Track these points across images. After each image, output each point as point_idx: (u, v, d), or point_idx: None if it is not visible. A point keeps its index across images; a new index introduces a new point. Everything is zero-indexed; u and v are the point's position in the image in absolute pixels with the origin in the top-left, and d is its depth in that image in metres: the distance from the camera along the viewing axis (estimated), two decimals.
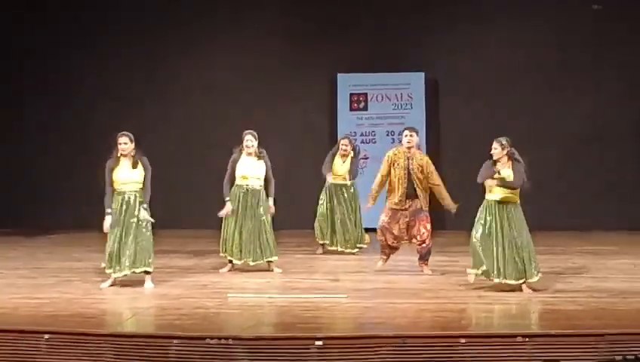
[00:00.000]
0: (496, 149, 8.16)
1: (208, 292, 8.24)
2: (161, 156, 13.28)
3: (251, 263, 9.36)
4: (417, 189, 9.05)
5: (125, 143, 8.49)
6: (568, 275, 9.07)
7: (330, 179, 10.82)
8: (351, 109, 13.62)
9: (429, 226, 9.12)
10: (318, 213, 10.93)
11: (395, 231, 9.18)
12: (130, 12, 13.77)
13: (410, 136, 9.07)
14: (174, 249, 10.99)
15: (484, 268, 8.09)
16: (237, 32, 13.85)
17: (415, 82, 13.52)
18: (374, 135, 13.60)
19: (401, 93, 13.55)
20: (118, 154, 8.47)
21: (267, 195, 9.45)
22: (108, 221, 8.39)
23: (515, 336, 6.24)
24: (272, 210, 9.45)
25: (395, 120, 13.51)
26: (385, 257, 9.40)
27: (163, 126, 13.72)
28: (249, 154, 9.38)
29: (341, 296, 7.94)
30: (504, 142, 8.18)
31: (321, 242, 10.96)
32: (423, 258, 9.31)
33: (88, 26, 13.83)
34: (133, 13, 13.78)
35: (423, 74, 13.51)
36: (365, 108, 13.62)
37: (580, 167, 13.26)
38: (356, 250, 10.80)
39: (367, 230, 10.84)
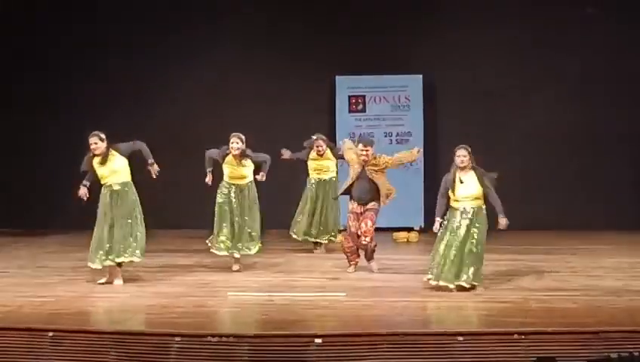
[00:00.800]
0: (466, 156, 8.04)
1: (209, 291, 8.32)
2: (161, 156, 13.42)
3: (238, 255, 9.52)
4: (371, 190, 9.13)
5: (95, 143, 8.53)
6: (564, 274, 9.16)
7: (314, 176, 11.05)
8: (350, 111, 13.70)
9: (370, 223, 9.11)
10: (304, 211, 11.06)
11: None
12: (130, 13, 13.79)
13: (366, 151, 9.15)
14: (175, 248, 11.05)
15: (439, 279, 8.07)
16: (237, 33, 13.87)
17: (413, 84, 13.58)
18: (372, 136, 13.62)
19: (399, 95, 13.61)
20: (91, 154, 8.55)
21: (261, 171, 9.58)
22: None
23: (511, 334, 6.30)
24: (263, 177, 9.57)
25: (393, 121, 13.60)
26: (354, 262, 9.43)
27: (163, 126, 13.71)
28: (234, 156, 9.44)
29: (340, 294, 8.03)
30: (469, 149, 8.09)
31: (299, 239, 11.10)
32: (367, 256, 9.33)
33: (88, 27, 13.82)
34: (133, 14, 13.80)
35: (421, 76, 13.56)
36: (364, 110, 13.68)
37: (577, 168, 13.30)
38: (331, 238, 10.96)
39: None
